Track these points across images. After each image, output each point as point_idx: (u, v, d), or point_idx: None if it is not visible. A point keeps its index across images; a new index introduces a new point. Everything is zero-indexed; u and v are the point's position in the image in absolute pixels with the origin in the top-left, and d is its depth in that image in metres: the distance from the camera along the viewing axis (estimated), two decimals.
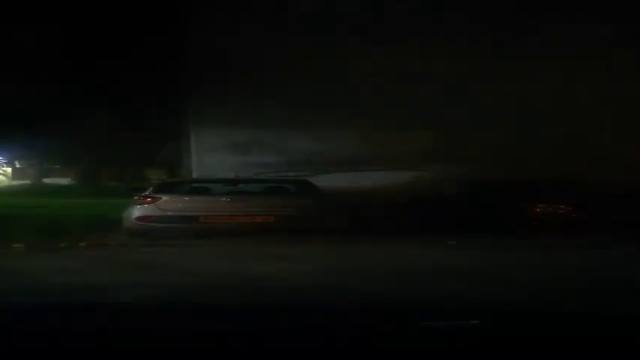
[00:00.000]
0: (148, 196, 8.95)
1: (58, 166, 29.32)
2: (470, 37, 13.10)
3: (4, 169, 30.79)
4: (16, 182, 28.52)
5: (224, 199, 8.93)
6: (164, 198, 8.87)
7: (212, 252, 7.13)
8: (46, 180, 27.55)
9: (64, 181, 26.84)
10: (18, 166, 30.58)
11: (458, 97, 13.12)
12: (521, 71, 12.92)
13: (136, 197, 9.05)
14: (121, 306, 1.58)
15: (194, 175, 14.75)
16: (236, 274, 5.25)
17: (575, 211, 9.28)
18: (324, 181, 10.65)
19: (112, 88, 18.46)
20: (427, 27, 13.14)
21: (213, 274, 5.23)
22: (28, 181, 27.37)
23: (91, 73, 18.23)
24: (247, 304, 1.58)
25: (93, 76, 18.23)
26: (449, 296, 1.75)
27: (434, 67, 12.93)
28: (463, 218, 9.15)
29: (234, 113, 14.29)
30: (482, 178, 11.12)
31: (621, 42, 12.53)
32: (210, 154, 14.95)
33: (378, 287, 1.79)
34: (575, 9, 12.65)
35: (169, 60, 17.04)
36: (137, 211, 8.76)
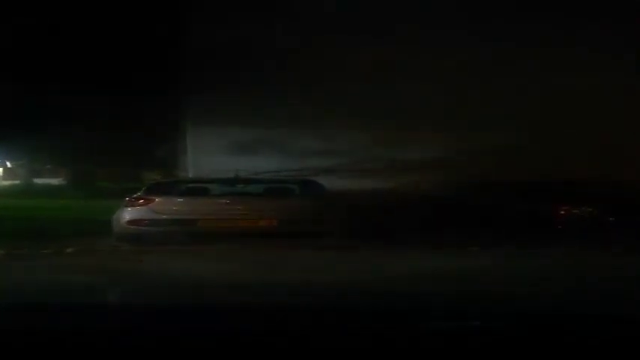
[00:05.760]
0: (139, 198, 8.27)
1: (49, 166, 28.98)
2: (475, 34, 12.80)
3: None
4: (6, 182, 28.09)
5: (223, 200, 8.25)
6: (157, 200, 8.17)
7: (212, 259, 6.47)
8: (37, 180, 27.13)
9: (55, 181, 26.56)
10: (9, 165, 30.15)
11: (471, 96, 12.85)
12: (534, 68, 12.73)
13: (127, 199, 8.39)
14: (120, 306, 1.58)
15: (190, 176, 14.29)
16: (236, 283, 4.67)
17: (602, 213, 8.79)
18: (326, 181, 10.14)
19: (106, 86, 18.18)
20: (429, 23, 12.86)
21: (212, 283, 4.63)
22: (17, 182, 26.93)
23: (84, 71, 18.02)
24: (247, 304, 1.53)
25: (86, 74, 18.00)
26: (450, 297, 1.63)
27: (436, 66, 12.69)
28: (481, 221, 8.72)
29: (232, 112, 13.98)
30: (495, 179, 10.75)
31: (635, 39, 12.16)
32: (208, 154, 14.65)
33: (379, 289, 1.74)
34: (582, 6, 12.35)
35: (165, 57, 16.81)
36: (128, 214, 8.07)
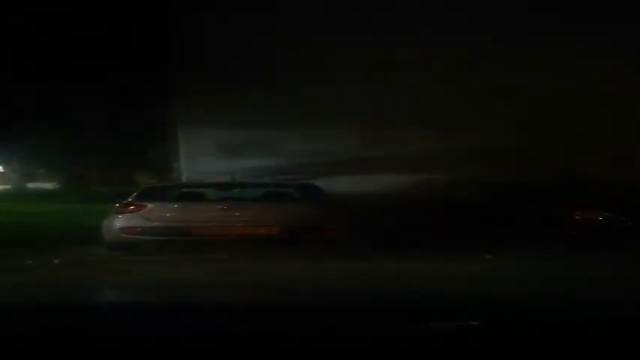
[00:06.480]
0: (130, 204, 7.96)
1: (42, 170, 28.77)
2: (474, 34, 12.60)
3: None
4: None
5: (220, 206, 7.96)
6: (150, 206, 7.87)
7: (212, 270, 6.14)
8: (30, 185, 26.96)
9: (49, 185, 26.31)
10: (2, 170, 29.84)
11: (471, 95, 12.60)
12: (535, 66, 12.48)
13: (118, 205, 8.06)
14: (120, 306, 1.57)
15: (184, 180, 13.94)
16: (236, 284, 4.42)
17: (618, 217, 8.44)
18: (326, 184, 9.85)
19: (99, 88, 18.05)
20: (429, 23, 12.69)
21: (212, 284, 4.37)
22: (9, 186, 26.63)
23: (76, 73, 17.98)
24: (247, 304, 1.52)
25: (78, 77, 17.89)
26: (450, 297, 1.62)
27: (439, 64, 12.49)
28: (482, 222, 8.42)
29: (226, 114, 13.77)
30: (496, 179, 10.48)
31: None
32: (201, 157, 14.41)
33: (379, 289, 1.75)
34: (581, 6, 12.19)
35: (156, 58, 16.71)
36: (119, 221, 7.79)
